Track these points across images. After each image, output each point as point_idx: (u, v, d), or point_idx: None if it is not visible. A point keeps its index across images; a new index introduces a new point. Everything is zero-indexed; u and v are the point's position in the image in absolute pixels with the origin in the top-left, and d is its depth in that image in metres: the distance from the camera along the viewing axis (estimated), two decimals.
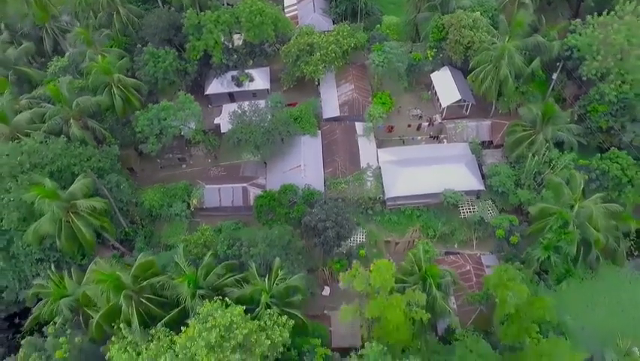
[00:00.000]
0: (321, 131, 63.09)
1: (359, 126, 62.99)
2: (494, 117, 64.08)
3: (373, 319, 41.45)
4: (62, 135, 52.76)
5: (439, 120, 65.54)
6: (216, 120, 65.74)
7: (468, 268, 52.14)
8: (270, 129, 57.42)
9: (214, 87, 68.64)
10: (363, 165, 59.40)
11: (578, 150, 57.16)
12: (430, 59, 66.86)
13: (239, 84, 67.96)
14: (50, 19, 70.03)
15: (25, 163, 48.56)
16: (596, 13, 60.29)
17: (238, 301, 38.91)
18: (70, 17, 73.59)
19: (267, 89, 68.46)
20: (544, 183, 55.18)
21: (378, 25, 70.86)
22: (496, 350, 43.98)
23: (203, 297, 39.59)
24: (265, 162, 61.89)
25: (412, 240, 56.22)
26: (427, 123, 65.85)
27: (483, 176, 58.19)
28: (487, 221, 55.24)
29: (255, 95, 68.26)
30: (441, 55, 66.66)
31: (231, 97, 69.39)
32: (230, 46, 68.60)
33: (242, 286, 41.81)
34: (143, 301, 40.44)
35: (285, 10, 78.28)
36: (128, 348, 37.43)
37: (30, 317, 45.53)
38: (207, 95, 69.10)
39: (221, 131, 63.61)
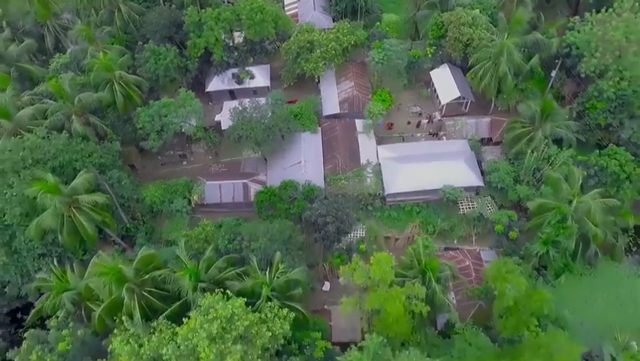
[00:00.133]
0: (321, 128, 63.45)
1: (359, 123, 63.30)
2: (493, 114, 64.43)
3: (373, 311, 41.82)
4: (64, 131, 53.18)
5: (439, 117, 65.86)
6: (217, 117, 66.07)
7: (467, 263, 52.47)
8: (271, 126, 57.71)
9: (215, 84, 68.96)
10: (363, 161, 59.71)
11: (576, 146, 57.53)
12: (430, 56, 67.21)
13: (239, 82, 68.26)
14: (52, 17, 70.35)
15: (27, 159, 48.95)
16: (594, 10, 60.63)
17: (239, 294, 39.21)
18: (72, 15, 73.95)
19: (268, 87, 68.78)
20: (543, 179, 55.55)
21: (378, 23, 71.11)
22: (495, 344, 44.39)
23: (204, 290, 39.94)
24: (265, 159, 62.26)
25: (411, 236, 56.55)
26: (427, 120, 66.21)
27: (482, 172, 58.50)
28: (486, 217, 55.63)
29: (255, 92, 68.56)
30: (440, 52, 67.02)
31: (232, 94, 69.72)
32: (231, 43, 68.89)
33: (243, 279, 42.20)
34: (145, 294, 40.78)
35: (286, 8, 78.57)
36: (130, 340, 37.69)
37: (33, 311, 45.82)
38: (208, 92, 69.43)
39: (222, 128, 63.89)
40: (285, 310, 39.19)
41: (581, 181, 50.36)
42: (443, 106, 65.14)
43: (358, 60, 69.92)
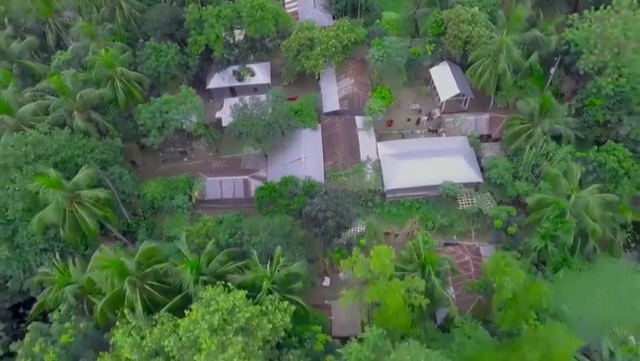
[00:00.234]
0: (321, 124, 63.76)
1: (359, 120, 63.64)
2: (493, 111, 64.75)
3: (373, 304, 42.14)
4: (66, 127, 53.57)
5: (438, 114, 66.21)
6: (217, 114, 66.36)
7: (467, 258, 52.87)
8: (271, 122, 58.03)
9: (215, 82, 69.28)
10: (363, 158, 60.05)
11: (575, 143, 57.98)
12: (429, 53, 67.43)
13: (240, 79, 68.61)
14: (53, 14, 70.61)
15: (29, 154, 49.34)
16: (593, 7, 60.87)
17: (240, 287, 39.47)
18: (74, 13, 74.15)
19: (268, 84, 69.08)
20: (541, 175, 55.93)
21: (378, 21, 71.47)
22: (494, 337, 44.70)
23: (205, 283, 40.25)
24: (266, 155, 62.60)
25: (411, 231, 56.84)
26: (426, 117, 66.54)
27: (482, 169, 58.81)
28: (485, 213, 55.89)
29: (256, 89, 68.83)
30: (440, 50, 67.27)
31: (232, 91, 70.02)
32: (232, 41, 69.29)
33: (244, 272, 42.51)
34: (147, 287, 41.06)
35: (286, 6, 78.89)
36: (132, 332, 38.02)
37: (35, 304, 46.12)
38: (209, 89, 69.73)
39: (223, 125, 64.19)
40: (286, 303, 39.49)
41: (579, 177, 50.71)
42: (443, 103, 65.46)
43: (358, 57, 70.17)
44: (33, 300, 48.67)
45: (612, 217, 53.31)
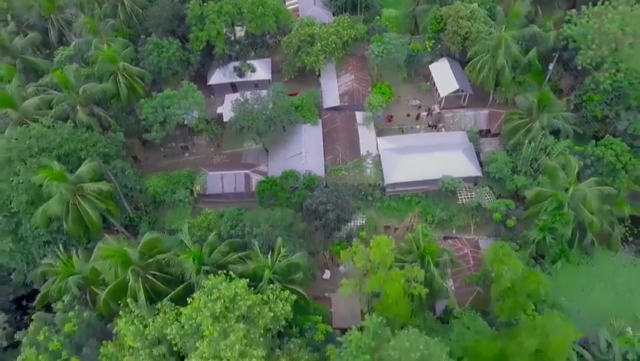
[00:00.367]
0: (321, 120, 64.23)
1: (359, 115, 64.08)
2: (492, 107, 65.29)
3: (373, 294, 42.61)
4: (69, 121, 53.92)
5: (438, 110, 66.71)
6: (219, 110, 66.84)
7: (466, 251, 53.34)
8: (272, 117, 58.50)
9: (216, 78, 69.71)
10: (363, 152, 60.51)
11: (573, 138, 58.48)
12: (429, 50, 68.02)
13: (241, 75, 69.09)
14: (56, 10, 71.20)
15: (33, 147, 49.70)
16: (590, 3, 61.46)
17: (241, 276, 39.81)
18: (76, 9, 74.69)
19: (269, 80, 69.57)
20: (540, 169, 56.39)
21: (378, 17, 71.97)
22: (493, 328, 45.13)
23: (207, 273, 40.71)
24: (267, 150, 63.09)
25: (411, 225, 57.31)
26: (426, 113, 67.02)
27: (481, 163, 59.29)
28: (484, 206, 56.37)
29: (256, 85, 69.32)
30: (439, 46, 67.83)
31: (233, 87, 70.48)
32: (233, 37, 69.76)
33: (245, 263, 42.97)
34: (149, 277, 41.57)
35: (286, 3, 79.16)
36: (135, 321, 38.48)
37: (39, 295, 46.61)
38: (210, 85, 70.16)
39: (224, 120, 64.65)
40: (287, 293, 39.93)
41: (577, 170, 51.24)
42: (442, 99, 65.94)
43: (358, 54, 70.69)
44: (36, 293, 49.06)
45: (610, 211, 53.72)
